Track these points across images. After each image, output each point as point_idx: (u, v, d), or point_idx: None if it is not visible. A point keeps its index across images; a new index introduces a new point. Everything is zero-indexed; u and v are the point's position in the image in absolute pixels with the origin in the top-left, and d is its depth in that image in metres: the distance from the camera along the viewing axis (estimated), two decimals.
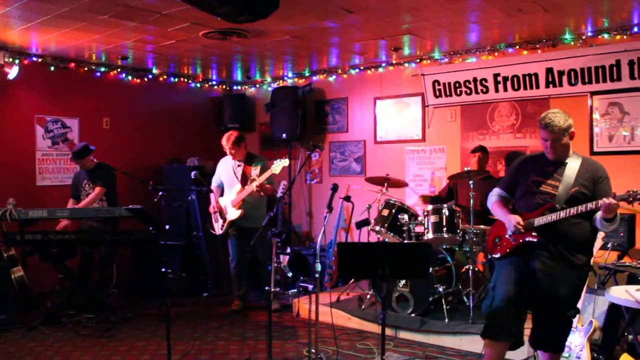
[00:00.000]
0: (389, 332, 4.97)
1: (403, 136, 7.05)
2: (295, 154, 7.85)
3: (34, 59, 6.48)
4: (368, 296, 5.51)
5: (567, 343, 3.64)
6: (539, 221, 3.28)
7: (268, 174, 5.47)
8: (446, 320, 4.87)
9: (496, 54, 6.11)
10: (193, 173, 5.80)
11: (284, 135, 7.50)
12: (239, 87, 8.67)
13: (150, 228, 4.87)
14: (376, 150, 7.32)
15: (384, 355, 3.47)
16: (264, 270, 5.82)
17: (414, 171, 6.92)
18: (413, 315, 5.05)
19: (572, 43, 5.62)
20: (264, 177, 5.49)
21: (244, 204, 5.67)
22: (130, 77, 7.38)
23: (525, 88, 5.97)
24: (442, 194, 6.02)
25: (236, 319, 5.73)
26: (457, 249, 5.49)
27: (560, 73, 5.69)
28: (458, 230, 5.10)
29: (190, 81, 8.07)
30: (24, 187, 6.43)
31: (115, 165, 5.91)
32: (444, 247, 5.47)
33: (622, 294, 3.68)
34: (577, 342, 3.86)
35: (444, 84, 6.52)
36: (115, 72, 7.21)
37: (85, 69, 6.96)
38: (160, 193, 4.49)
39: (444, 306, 4.93)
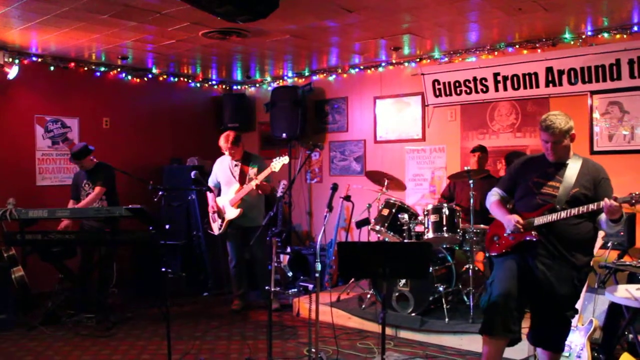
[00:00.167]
0: (389, 331, 4.98)
1: (403, 136, 7.05)
2: (295, 153, 7.85)
3: (34, 58, 6.48)
4: (368, 295, 5.52)
5: (567, 342, 3.64)
6: (538, 221, 3.28)
7: (267, 172, 5.48)
8: (446, 319, 4.87)
9: (496, 53, 6.11)
10: (193, 173, 5.78)
11: (284, 134, 7.50)
12: (239, 87, 8.68)
13: (150, 228, 4.86)
14: (376, 150, 7.32)
15: (384, 354, 3.47)
16: (264, 269, 5.83)
17: (414, 171, 6.92)
18: (413, 314, 5.05)
19: (572, 42, 5.62)
20: (263, 175, 5.50)
21: (242, 203, 5.68)
22: (130, 77, 7.38)
23: (525, 87, 5.97)
24: (446, 194, 6.02)
25: (236, 318, 5.73)
26: (457, 248, 5.50)
27: (560, 72, 5.69)
28: (458, 230, 5.10)
29: (190, 81, 8.07)
30: (24, 187, 6.43)
31: (115, 165, 5.90)
32: (444, 246, 5.47)
33: (623, 293, 3.68)
34: (578, 342, 3.86)
35: (444, 83, 6.52)
36: (115, 71, 7.21)
37: (85, 68, 6.96)
38: (160, 193, 4.48)
39: (444, 305, 4.93)
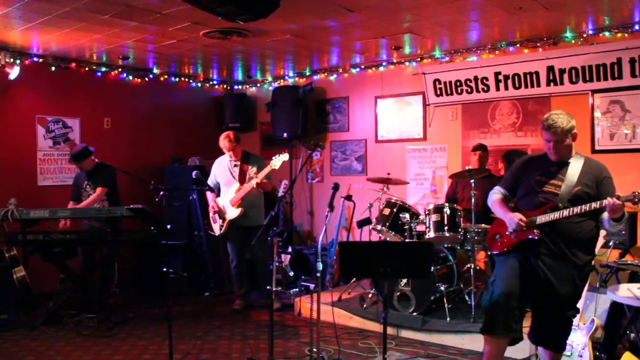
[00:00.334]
0: (390, 331, 4.97)
1: (404, 135, 7.05)
2: (296, 153, 7.85)
3: (35, 59, 6.49)
4: (370, 295, 5.51)
5: (569, 341, 3.64)
6: (541, 219, 3.28)
7: (267, 170, 5.50)
8: (448, 319, 4.87)
9: (497, 52, 6.11)
10: (194, 173, 5.79)
11: (285, 134, 7.50)
12: (240, 87, 8.68)
13: (152, 228, 4.87)
14: (377, 149, 7.32)
15: (386, 354, 3.47)
16: (265, 269, 5.83)
17: (415, 170, 6.92)
18: (415, 314, 5.05)
19: (573, 41, 5.62)
20: (263, 174, 5.51)
21: (242, 202, 5.68)
22: (131, 77, 7.39)
23: (526, 86, 5.96)
24: (450, 194, 6.00)
25: (237, 318, 5.73)
26: (458, 247, 5.49)
27: (562, 71, 5.68)
28: (459, 229, 5.10)
29: (191, 81, 8.08)
30: (25, 187, 6.44)
31: (116, 164, 5.90)
32: (446, 246, 5.47)
33: (624, 292, 3.68)
34: (579, 341, 3.86)
35: (445, 82, 6.51)
36: (116, 72, 7.21)
37: (86, 69, 6.97)
38: (162, 193, 4.49)
39: (446, 305, 4.93)
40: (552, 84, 5.78)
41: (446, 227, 5.07)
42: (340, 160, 7.68)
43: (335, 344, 4.65)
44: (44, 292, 5.97)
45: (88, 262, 5.85)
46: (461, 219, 5.14)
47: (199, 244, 7.05)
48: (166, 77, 7.73)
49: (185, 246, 6.98)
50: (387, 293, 5.09)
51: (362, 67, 7.20)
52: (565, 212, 3.19)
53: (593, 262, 3.46)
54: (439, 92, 6.60)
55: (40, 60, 6.54)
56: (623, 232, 4.85)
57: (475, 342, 4.52)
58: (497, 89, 6.15)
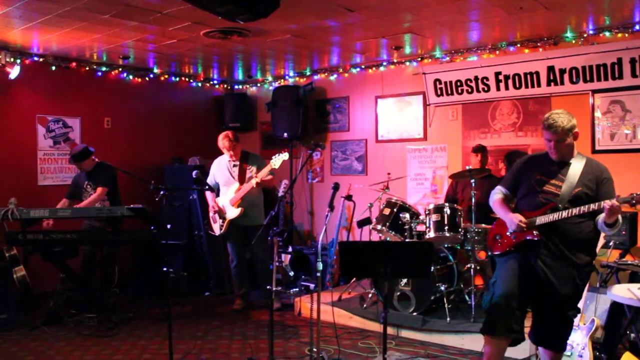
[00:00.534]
0: (390, 331, 4.97)
1: (404, 135, 7.04)
2: (296, 153, 7.85)
3: (35, 58, 6.49)
4: (370, 295, 5.51)
5: (569, 341, 3.64)
6: (540, 220, 3.27)
7: (267, 169, 5.50)
8: (448, 319, 4.87)
9: (497, 52, 6.10)
10: (194, 172, 5.78)
11: (285, 134, 7.49)
12: (240, 87, 8.68)
13: (152, 227, 4.87)
14: (377, 149, 7.32)
15: (386, 354, 3.47)
16: (265, 269, 5.83)
17: (416, 170, 6.92)
18: (415, 314, 5.05)
19: (574, 41, 5.61)
20: (263, 173, 5.51)
21: (242, 202, 5.68)
22: (131, 77, 7.39)
23: (526, 86, 5.96)
24: (450, 195, 6.00)
25: (238, 318, 5.73)
26: (458, 247, 5.49)
27: (562, 71, 5.68)
28: (460, 229, 5.10)
29: (191, 80, 8.07)
30: (25, 187, 6.44)
31: (116, 164, 5.90)
32: (446, 246, 5.47)
33: (625, 292, 3.67)
34: (579, 341, 3.86)
35: (445, 82, 6.51)
36: (116, 71, 7.21)
37: (87, 68, 6.97)
38: (162, 192, 4.49)
39: (446, 305, 4.93)
40: (552, 84, 5.78)
41: (446, 227, 5.07)
42: (340, 160, 7.68)
43: (335, 343, 4.65)
44: (44, 291, 5.97)
45: (88, 261, 5.84)
46: (461, 219, 5.14)
47: (199, 244, 7.05)
48: (166, 76, 7.73)
49: (186, 246, 6.98)
50: (387, 293, 5.08)
51: (363, 67, 7.20)
52: (565, 214, 3.19)
53: (593, 262, 3.45)
54: (439, 92, 6.60)
55: (41, 59, 6.54)
56: (623, 232, 4.85)
57: (475, 342, 4.52)
58: (498, 89, 6.15)
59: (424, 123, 6.84)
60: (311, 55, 6.80)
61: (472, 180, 5.06)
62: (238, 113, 8.15)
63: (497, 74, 6.10)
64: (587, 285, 3.78)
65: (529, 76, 5.90)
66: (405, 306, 5.11)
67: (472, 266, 5.06)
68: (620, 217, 3.15)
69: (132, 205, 4.77)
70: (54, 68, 6.67)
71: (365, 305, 5.44)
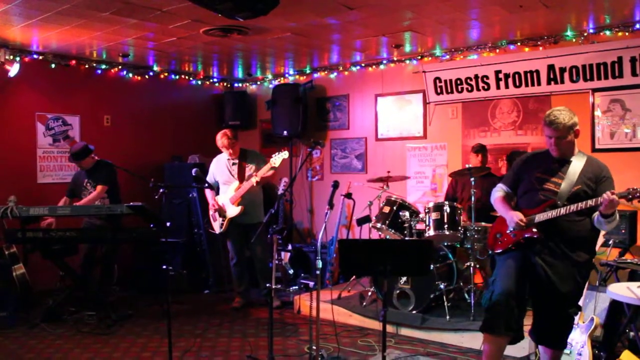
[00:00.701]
0: (390, 329, 4.97)
1: (404, 133, 7.04)
2: (296, 151, 7.85)
3: (35, 56, 6.48)
4: (369, 293, 5.52)
5: (568, 340, 3.64)
6: (539, 217, 3.28)
7: (267, 168, 5.51)
8: (447, 317, 4.88)
9: (497, 50, 6.10)
10: (194, 170, 5.79)
11: (285, 132, 7.49)
12: (240, 85, 8.67)
13: (152, 225, 4.86)
14: (377, 148, 7.32)
15: (385, 352, 3.46)
16: (265, 267, 5.83)
17: (415, 168, 6.92)
18: (414, 312, 5.05)
19: (574, 40, 5.61)
20: (263, 172, 5.51)
21: (242, 200, 5.67)
22: (131, 75, 7.38)
23: (526, 85, 5.96)
24: (450, 193, 6.00)
25: (237, 315, 5.73)
26: (458, 245, 5.49)
27: (562, 70, 5.68)
28: (459, 228, 5.10)
29: (191, 78, 8.07)
30: (25, 185, 6.43)
31: (116, 162, 5.88)
32: (445, 244, 5.47)
33: (624, 290, 3.67)
34: (579, 339, 3.86)
35: (445, 81, 6.51)
36: (116, 69, 7.21)
37: (86, 66, 6.96)
38: (161, 190, 4.49)
39: (445, 303, 4.93)
40: (552, 82, 5.78)
41: (446, 225, 5.08)
42: (340, 158, 7.68)
43: (334, 341, 4.65)
44: (43, 289, 5.98)
45: (88, 259, 5.84)
46: (461, 217, 5.14)
47: (199, 242, 7.05)
48: (166, 74, 7.72)
49: (185, 244, 6.98)
50: (387, 291, 5.10)
51: (363, 65, 7.20)
52: (563, 210, 3.19)
53: (593, 260, 3.45)
54: (439, 91, 6.60)
55: (40, 57, 6.53)
56: (623, 231, 4.85)
57: (474, 340, 4.53)
58: (498, 87, 6.15)
59: (424, 121, 6.84)
60: (311, 53, 6.80)
61: (472, 179, 5.07)
62: (238, 111, 8.14)
63: (497, 72, 6.09)
64: (587, 283, 3.78)
65: (529, 75, 5.90)
66: (405, 304, 5.11)
67: (472, 264, 5.06)
68: (617, 213, 3.15)
69: (131, 203, 4.76)
70: (53, 66, 6.66)
71: (364, 303, 5.45)
